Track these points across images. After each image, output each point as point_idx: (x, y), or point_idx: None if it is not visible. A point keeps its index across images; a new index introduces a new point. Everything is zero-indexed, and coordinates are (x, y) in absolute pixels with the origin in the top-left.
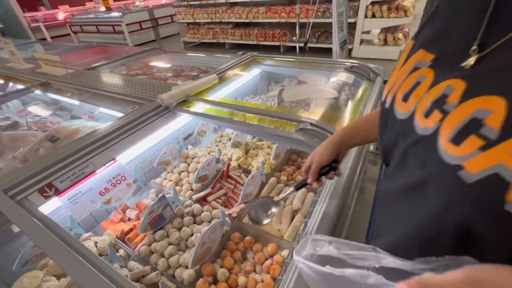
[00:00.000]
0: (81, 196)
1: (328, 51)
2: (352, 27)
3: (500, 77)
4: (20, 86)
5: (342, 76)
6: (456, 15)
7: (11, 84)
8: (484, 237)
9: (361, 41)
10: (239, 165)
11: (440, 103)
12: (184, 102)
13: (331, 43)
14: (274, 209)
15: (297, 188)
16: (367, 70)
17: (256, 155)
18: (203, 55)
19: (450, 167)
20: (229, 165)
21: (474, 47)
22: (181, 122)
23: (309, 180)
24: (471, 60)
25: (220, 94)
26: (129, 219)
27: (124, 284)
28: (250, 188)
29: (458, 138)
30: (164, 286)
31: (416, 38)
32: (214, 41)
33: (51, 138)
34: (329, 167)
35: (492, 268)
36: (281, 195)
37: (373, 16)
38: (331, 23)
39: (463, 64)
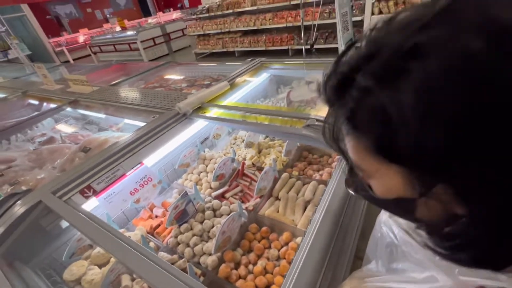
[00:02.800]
0: (115, 196)
1: (336, 51)
2: (360, 25)
3: None
4: (53, 105)
5: None
6: None
7: (45, 104)
8: None
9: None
10: (253, 163)
11: None
12: (199, 109)
13: None
14: None
15: None
16: None
17: (269, 154)
18: (214, 64)
19: None
20: (243, 164)
21: None
22: (197, 127)
23: None
24: None
25: (232, 99)
26: (156, 216)
27: (162, 264)
28: (264, 183)
29: None
30: (192, 269)
31: None
32: (224, 50)
33: (84, 149)
34: None
35: None
36: None
37: (380, 12)
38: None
39: None
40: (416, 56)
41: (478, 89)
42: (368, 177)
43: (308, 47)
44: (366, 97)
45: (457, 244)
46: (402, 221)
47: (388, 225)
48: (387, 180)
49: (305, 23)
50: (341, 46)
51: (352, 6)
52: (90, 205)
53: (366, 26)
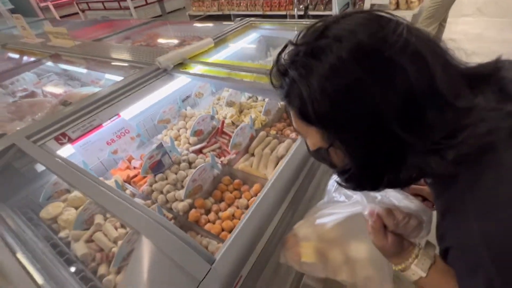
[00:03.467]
0: (91, 144)
1: None
2: None
3: None
4: (33, 59)
5: None
6: None
7: (25, 57)
8: None
9: (372, 6)
10: (233, 122)
11: None
12: (181, 65)
13: None
14: None
15: None
16: None
17: (249, 113)
18: (205, 24)
19: None
20: (223, 122)
21: None
22: (179, 83)
23: None
24: None
25: (217, 58)
26: (134, 168)
27: (134, 204)
28: (239, 139)
29: None
30: (160, 209)
31: None
32: (220, 13)
33: (64, 103)
34: None
35: None
36: None
37: None
38: None
39: None
40: (315, 57)
41: (343, 81)
42: (304, 136)
43: (302, 12)
44: (292, 83)
45: (347, 177)
46: None
47: None
48: (311, 137)
49: None
50: (335, 9)
51: None
52: (66, 152)
53: None
